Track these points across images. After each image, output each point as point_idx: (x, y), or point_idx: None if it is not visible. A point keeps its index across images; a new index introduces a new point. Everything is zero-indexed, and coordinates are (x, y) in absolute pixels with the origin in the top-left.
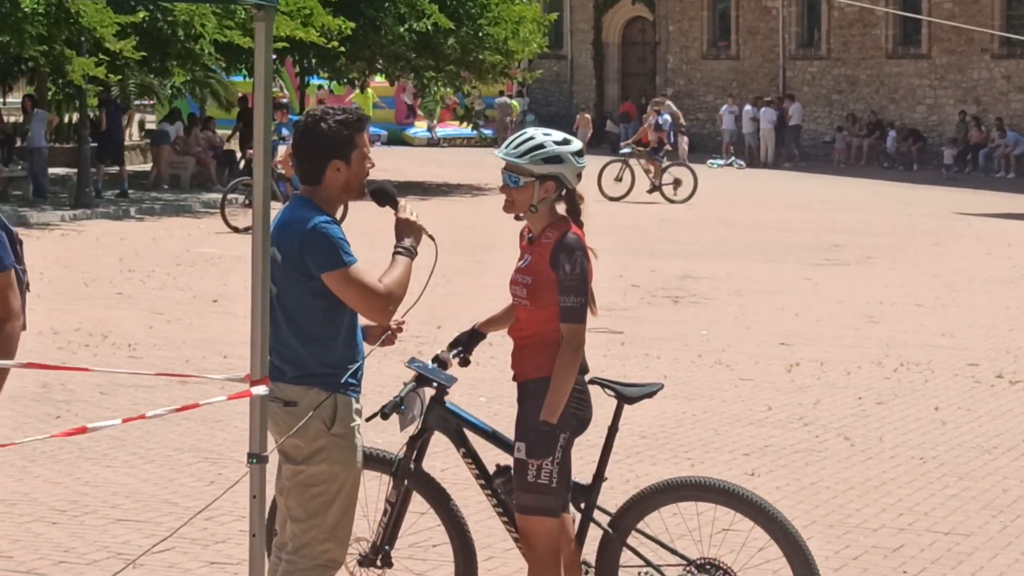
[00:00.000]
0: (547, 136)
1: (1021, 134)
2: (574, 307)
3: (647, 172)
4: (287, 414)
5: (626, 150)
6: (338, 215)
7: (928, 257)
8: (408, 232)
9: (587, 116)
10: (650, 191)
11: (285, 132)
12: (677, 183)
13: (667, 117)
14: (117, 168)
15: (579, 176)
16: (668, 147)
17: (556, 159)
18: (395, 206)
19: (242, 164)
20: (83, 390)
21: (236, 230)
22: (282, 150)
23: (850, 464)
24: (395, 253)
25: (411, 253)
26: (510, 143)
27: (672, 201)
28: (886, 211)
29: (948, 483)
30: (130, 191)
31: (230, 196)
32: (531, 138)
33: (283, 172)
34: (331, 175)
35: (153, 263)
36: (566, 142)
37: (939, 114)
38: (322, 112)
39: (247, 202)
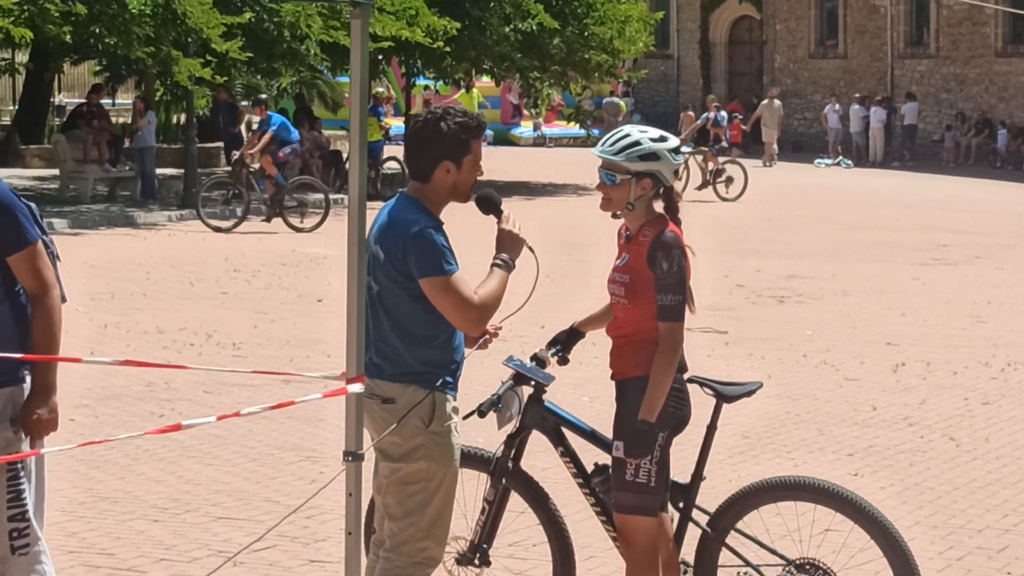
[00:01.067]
0: (643, 133)
1: None
2: (672, 305)
3: (703, 169)
4: (385, 411)
5: (686, 148)
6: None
7: None
8: (510, 245)
9: (691, 114)
10: (699, 188)
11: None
12: (729, 180)
13: (724, 114)
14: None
15: (676, 173)
16: (724, 144)
17: (652, 156)
18: (499, 215)
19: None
20: (187, 389)
21: (219, 230)
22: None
23: (955, 465)
24: (493, 265)
25: (508, 267)
26: (606, 141)
27: (724, 199)
28: (995, 210)
29: None
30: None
31: (206, 194)
32: (627, 135)
33: (260, 167)
34: (440, 175)
35: (258, 263)
36: (663, 139)
37: None
38: (443, 111)
39: (231, 195)
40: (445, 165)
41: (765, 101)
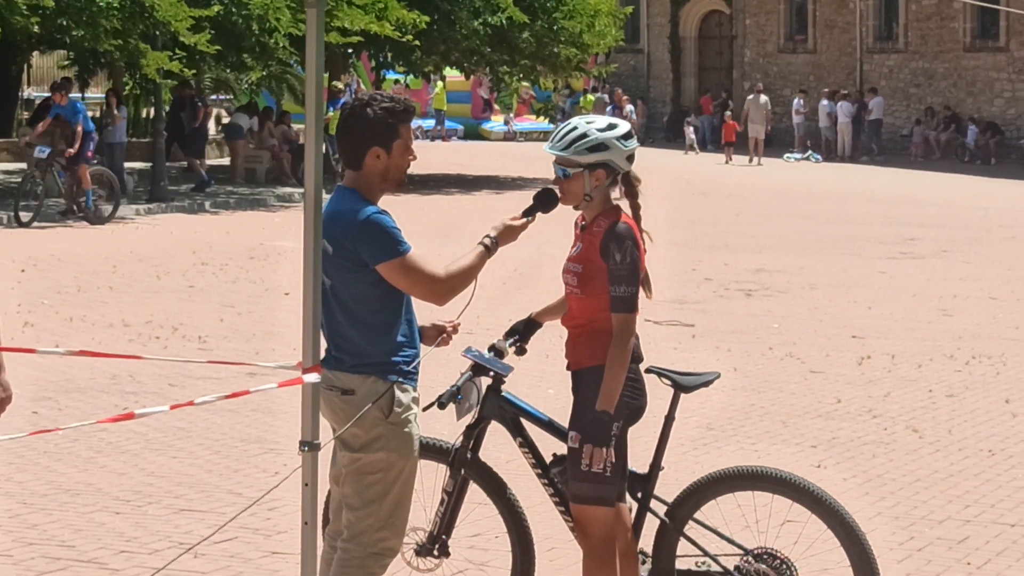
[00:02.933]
0: (590, 124)
1: None
2: (625, 296)
3: None
4: (345, 403)
5: None
6: None
7: (1003, 250)
8: (505, 232)
9: (619, 91)
10: None
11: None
12: None
13: (631, 108)
14: (198, 161)
15: (630, 158)
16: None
17: (601, 147)
18: (534, 213)
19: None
20: (151, 382)
21: (25, 225)
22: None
23: (918, 456)
24: (480, 242)
25: (491, 250)
26: (555, 136)
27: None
28: (962, 205)
29: (1016, 475)
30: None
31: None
32: (574, 128)
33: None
34: (371, 162)
35: (226, 256)
36: (611, 127)
37: (1017, 107)
38: (369, 97)
39: (37, 191)
40: (375, 151)
41: (751, 96)
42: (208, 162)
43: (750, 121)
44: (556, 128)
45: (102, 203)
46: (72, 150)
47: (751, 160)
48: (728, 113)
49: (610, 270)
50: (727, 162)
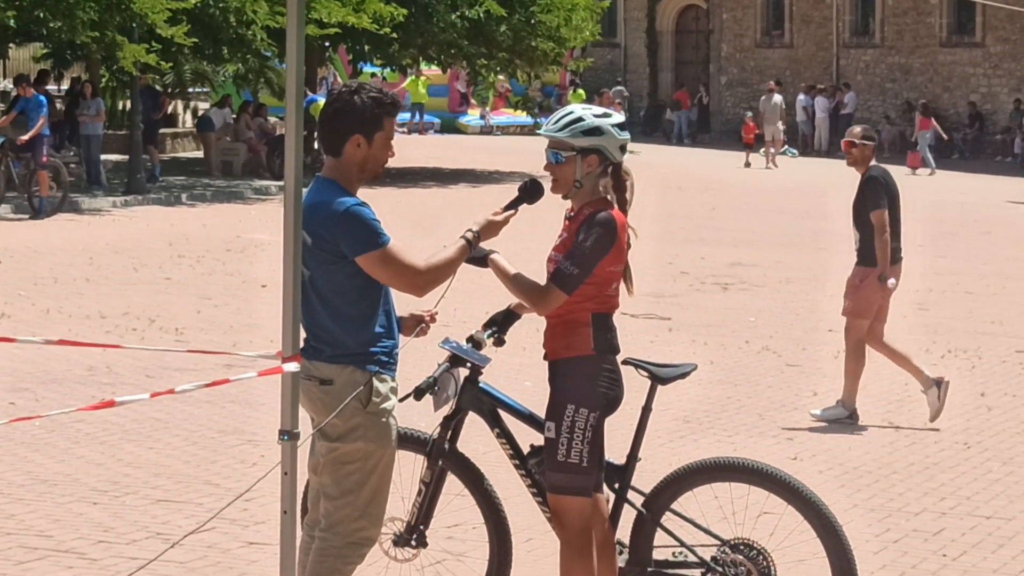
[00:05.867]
0: (587, 110)
1: None
2: (566, 273)
3: None
4: (323, 393)
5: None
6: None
7: (979, 245)
8: (487, 227)
9: (609, 94)
10: None
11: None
12: None
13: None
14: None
15: (622, 149)
16: None
17: (596, 131)
18: (518, 205)
19: None
20: (129, 373)
21: None
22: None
23: (894, 449)
24: (462, 236)
25: (472, 244)
26: (551, 119)
27: None
28: (938, 199)
29: (991, 468)
30: (177, 177)
31: None
32: (571, 112)
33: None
34: (351, 149)
35: (203, 248)
36: (606, 115)
37: (993, 102)
38: (358, 86)
39: None
40: (356, 139)
41: (764, 97)
42: (184, 154)
43: (765, 122)
44: (552, 114)
45: (51, 193)
46: (24, 138)
47: (768, 163)
48: (749, 115)
49: (571, 245)
50: (746, 165)
